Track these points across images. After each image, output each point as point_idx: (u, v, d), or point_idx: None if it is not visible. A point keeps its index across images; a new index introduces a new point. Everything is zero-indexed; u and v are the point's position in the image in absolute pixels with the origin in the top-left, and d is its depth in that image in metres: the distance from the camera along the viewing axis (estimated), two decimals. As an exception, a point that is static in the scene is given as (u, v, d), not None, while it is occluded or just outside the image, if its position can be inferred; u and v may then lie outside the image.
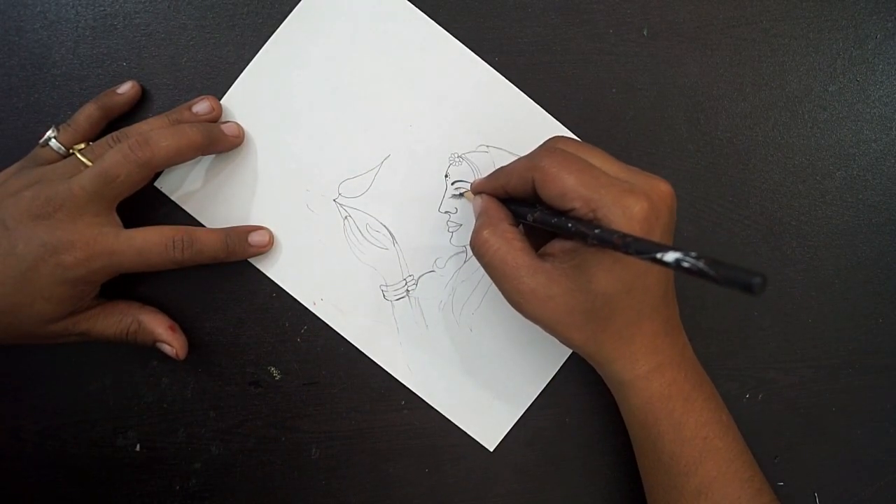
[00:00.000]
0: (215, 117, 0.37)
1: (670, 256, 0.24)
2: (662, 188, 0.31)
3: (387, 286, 0.40)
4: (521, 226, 0.34)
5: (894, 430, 0.42)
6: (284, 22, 0.38)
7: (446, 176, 0.39)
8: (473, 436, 0.40)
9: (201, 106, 0.37)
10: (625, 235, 0.27)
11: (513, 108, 0.39)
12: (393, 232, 0.40)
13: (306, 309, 0.39)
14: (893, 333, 0.42)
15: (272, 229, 0.39)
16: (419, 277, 0.40)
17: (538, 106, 0.39)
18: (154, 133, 0.34)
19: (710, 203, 0.41)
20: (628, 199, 0.29)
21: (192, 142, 0.35)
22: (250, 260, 0.39)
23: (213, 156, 0.38)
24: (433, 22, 0.39)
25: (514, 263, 0.32)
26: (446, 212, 0.39)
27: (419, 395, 0.40)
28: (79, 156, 0.34)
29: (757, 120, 0.41)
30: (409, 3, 0.39)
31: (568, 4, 0.39)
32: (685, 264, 0.24)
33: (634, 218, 0.29)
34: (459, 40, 0.39)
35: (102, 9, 0.39)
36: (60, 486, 0.40)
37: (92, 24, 0.38)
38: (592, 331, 0.32)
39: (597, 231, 0.28)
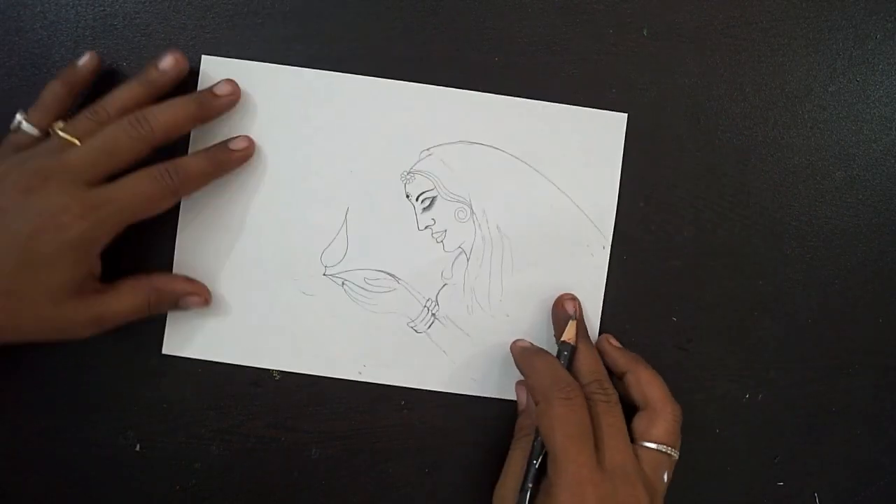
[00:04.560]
0: (181, 72, 0.37)
1: None
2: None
3: (413, 321, 0.40)
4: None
5: (894, 430, 0.42)
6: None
7: (407, 196, 0.39)
8: None
9: (166, 62, 0.36)
10: None
11: (425, 103, 0.39)
12: (390, 272, 0.39)
13: (306, 309, 0.39)
14: (893, 333, 0.42)
15: (280, 326, 0.39)
16: (436, 296, 0.40)
17: (453, 89, 0.39)
18: (150, 110, 0.34)
19: (710, 203, 0.41)
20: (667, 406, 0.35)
21: (188, 112, 0.35)
22: (291, 366, 0.39)
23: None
24: (321, 71, 0.39)
25: None
26: (426, 227, 0.39)
27: (497, 398, 0.40)
28: (61, 133, 0.34)
29: (757, 120, 0.41)
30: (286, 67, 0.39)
31: (568, 4, 0.40)
32: None
33: (670, 430, 0.35)
34: (459, 40, 0.39)
35: (102, 9, 0.39)
36: (60, 486, 0.40)
37: (92, 24, 0.38)
38: None
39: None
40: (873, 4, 0.41)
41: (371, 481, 0.40)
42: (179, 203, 0.38)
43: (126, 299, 0.36)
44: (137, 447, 0.40)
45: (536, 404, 0.34)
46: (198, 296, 0.38)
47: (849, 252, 0.41)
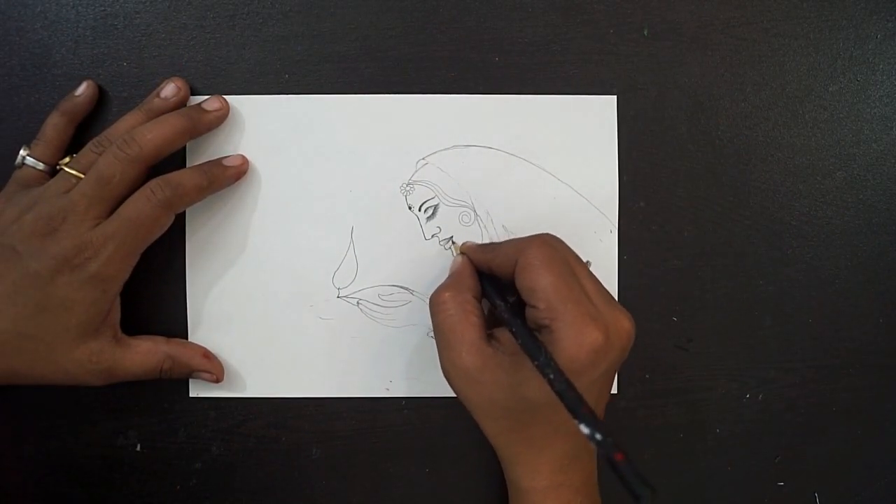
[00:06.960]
0: (183, 97, 0.37)
1: (585, 429, 0.25)
2: (625, 325, 0.31)
3: (433, 330, 0.39)
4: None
5: (894, 430, 0.42)
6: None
7: (409, 208, 0.39)
8: None
9: (168, 89, 0.37)
10: (561, 381, 0.27)
11: (414, 113, 0.39)
12: (403, 285, 0.39)
13: (306, 309, 0.39)
14: (893, 333, 0.42)
15: (303, 355, 0.39)
16: None
17: (439, 95, 0.39)
18: (137, 129, 0.34)
19: (710, 203, 0.41)
20: (588, 326, 0.30)
21: (175, 127, 0.35)
22: (319, 392, 0.39)
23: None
24: (308, 95, 0.39)
25: (459, 336, 0.32)
26: (433, 235, 0.39)
27: None
28: (67, 169, 0.34)
29: (757, 120, 0.41)
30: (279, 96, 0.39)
31: (568, 4, 0.40)
32: (594, 443, 0.25)
33: (584, 347, 0.29)
34: (459, 40, 0.39)
35: (103, 9, 0.39)
36: (60, 486, 0.40)
37: (92, 24, 0.38)
38: (506, 428, 0.33)
39: (541, 360, 0.28)
40: (874, 4, 0.41)
41: (371, 481, 0.40)
42: (186, 250, 0.39)
43: (139, 359, 0.36)
44: (137, 447, 0.40)
45: (515, 273, 0.32)
46: (211, 374, 0.38)
47: (849, 252, 0.41)
